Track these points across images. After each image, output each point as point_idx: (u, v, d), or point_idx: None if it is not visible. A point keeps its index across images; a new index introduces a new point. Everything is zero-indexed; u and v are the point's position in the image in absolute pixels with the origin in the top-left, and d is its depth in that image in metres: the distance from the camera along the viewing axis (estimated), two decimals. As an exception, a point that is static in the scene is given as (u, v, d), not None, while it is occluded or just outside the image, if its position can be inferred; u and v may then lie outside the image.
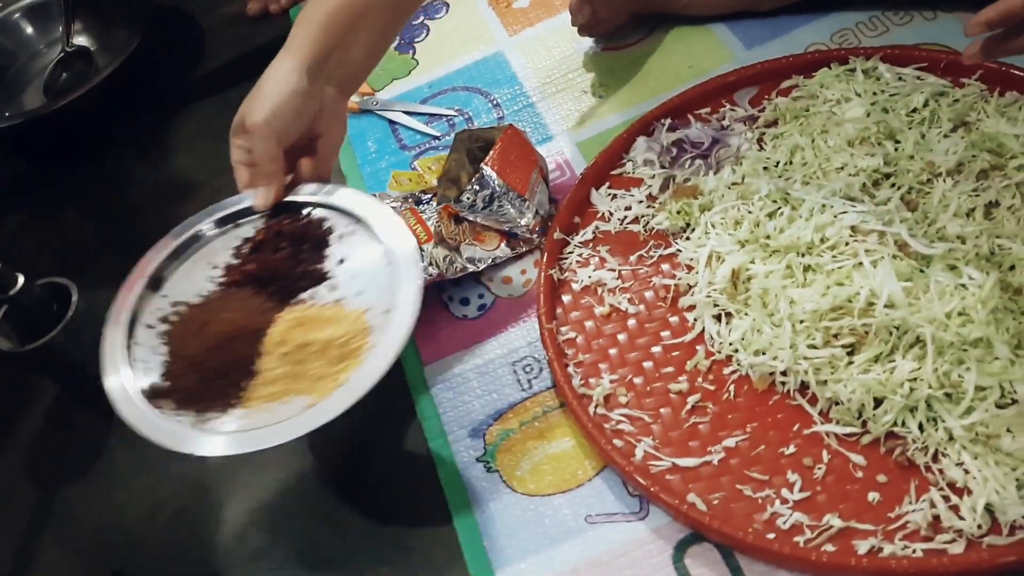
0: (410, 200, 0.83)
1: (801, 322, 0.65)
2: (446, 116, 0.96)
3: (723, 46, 0.90)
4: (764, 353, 0.66)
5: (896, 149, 0.74)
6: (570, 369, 0.72)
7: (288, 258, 0.70)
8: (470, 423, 0.72)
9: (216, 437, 0.61)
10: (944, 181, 0.70)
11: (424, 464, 0.71)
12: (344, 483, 0.73)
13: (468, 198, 0.77)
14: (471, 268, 0.79)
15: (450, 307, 0.80)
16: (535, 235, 0.79)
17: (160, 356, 0.66)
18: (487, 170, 0.76)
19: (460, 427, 0.72)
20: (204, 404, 0.63)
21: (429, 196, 0.83)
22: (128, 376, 0.64)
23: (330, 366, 0.63)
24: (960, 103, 0.76)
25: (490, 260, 0.79)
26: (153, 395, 0.63)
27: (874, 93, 0.78)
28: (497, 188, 0.76)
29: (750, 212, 0.72)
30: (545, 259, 0.77)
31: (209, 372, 0.64)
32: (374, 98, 1.01)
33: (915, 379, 0.60)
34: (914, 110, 0.76)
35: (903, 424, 0.61)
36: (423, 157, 0.93)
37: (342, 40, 0.71)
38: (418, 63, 1.04)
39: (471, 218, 0.78)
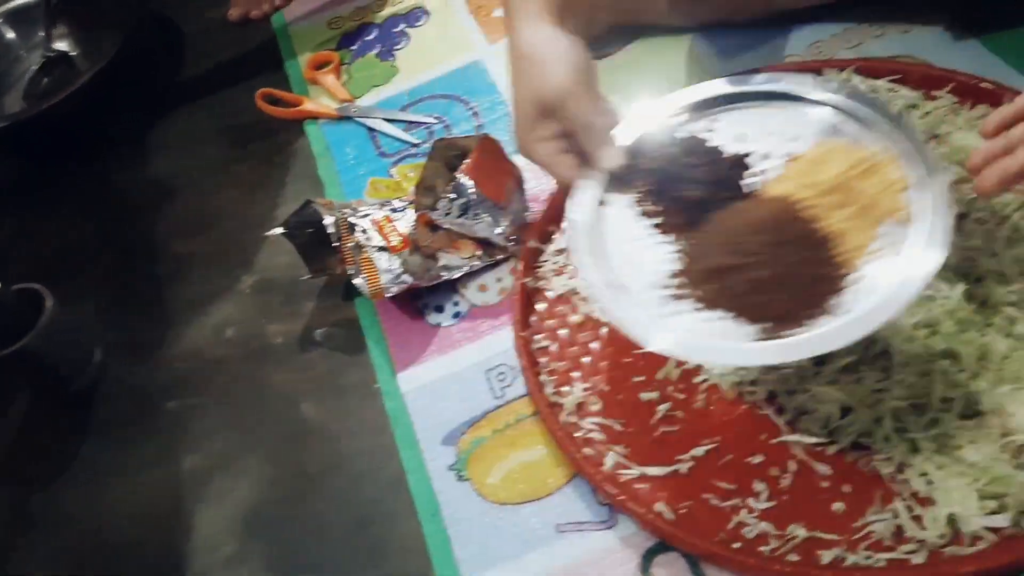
0: (386, 207, 0.83)
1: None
2: (425, 124, 0.96)
3: (700, 57, 0.91)
4: (734, 363, 0.67)
5: (867, 160, 0.75)
6: (543, 377, 0.72)
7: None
8: (443, 431, 0.72)
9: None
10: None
11: (396, 472, 0.71)
12: (316, 491, 0.73)
13: (444, 206, 0.77)
14: (446, 276, 0.79)
15: (425, 314, 0.80)
16: (511, 243, 0.80)
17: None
18: (463, 178, 0.77)
19: (433, 435, 0.72)
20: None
21: (404, 204, 0.83)
22: None
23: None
24: (931, 115, 0.76)
25: (466, 268, 0.80)
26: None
27: (847, 105, 0.79)
28: (473, 196, 0.77)
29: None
30: (520, 267, 0.78)
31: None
32: (354, 105, 1.01)
33: (881, 390, 0.61)
34: (886, 122, 0.77)
35: (869, 435, 0.61)
36: (401, 164, 0.93)
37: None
38: (398, 70, 1.04)
39: (447, 226, 0.79)
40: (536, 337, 0.75)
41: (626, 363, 0.72)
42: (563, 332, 0.75)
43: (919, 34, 0.85)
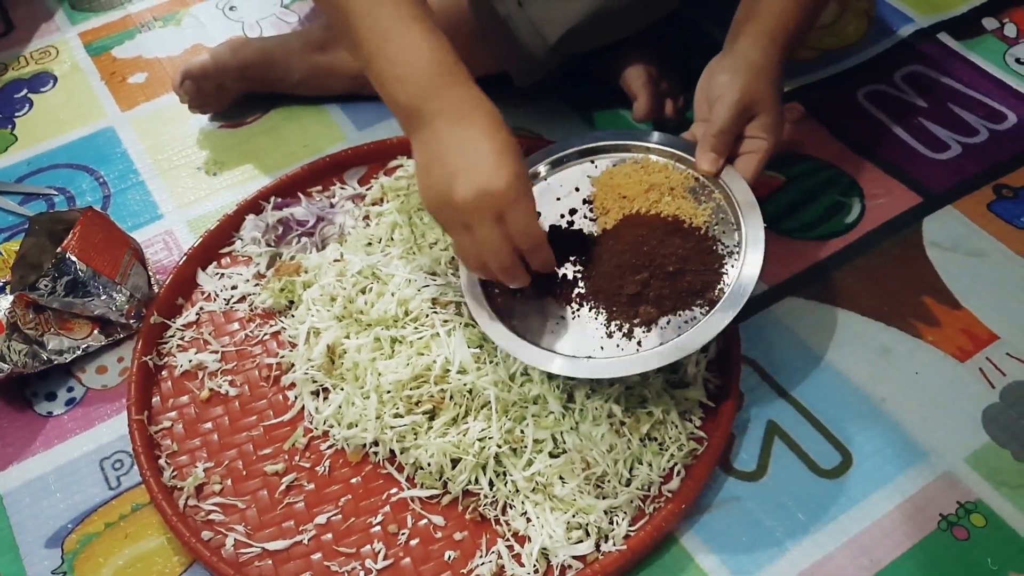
0: (-19, 289, 0.75)
1: (388, 392, 0.67)
2: (44, 195, 0.89)
3: (336, 126, 0.94)
4: (356, 425, 0.68)
5: (482, 224, 0.81)
6: (162, 461, 0.68)
7: None
8: (46, 532, 0.66)
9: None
10: (519, 252, 0.77)
11: (-12, 586, 0.63)
12: None
13: (46, 285, 0.71)
14: (57, 360, 0.73)
15: (34, 404, 0.73)
16: (132, 320, 0.75)
17: None
18: (67, 255, 0.71)
19: (34, 537, 0.65)
20: None
21: (2, 283, 0.76)
22: None
23: None
24: (536, 182, 0.85)
25: (79, 350, 0.74)
26: None
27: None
28: (80, 273, 0.72)
29: (344, 288, 0.74)
30: (140, 345, 0.74)
31: None
32: (-40, 176, 0.91)
33: (485, 438, 0.65)
34: (498, 188, 0.84)
35: (476, 481, 0.65)
36: (13, 240, 0.85)
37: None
38: (17, 139, 0.95)
39: (55, 305, 0.73)
40: (161, 418, 0.71)
41: (254, 436, 0.70)
42: (190, 411, 0.72)
43: (531, 108, 0.94)
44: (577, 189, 0.73)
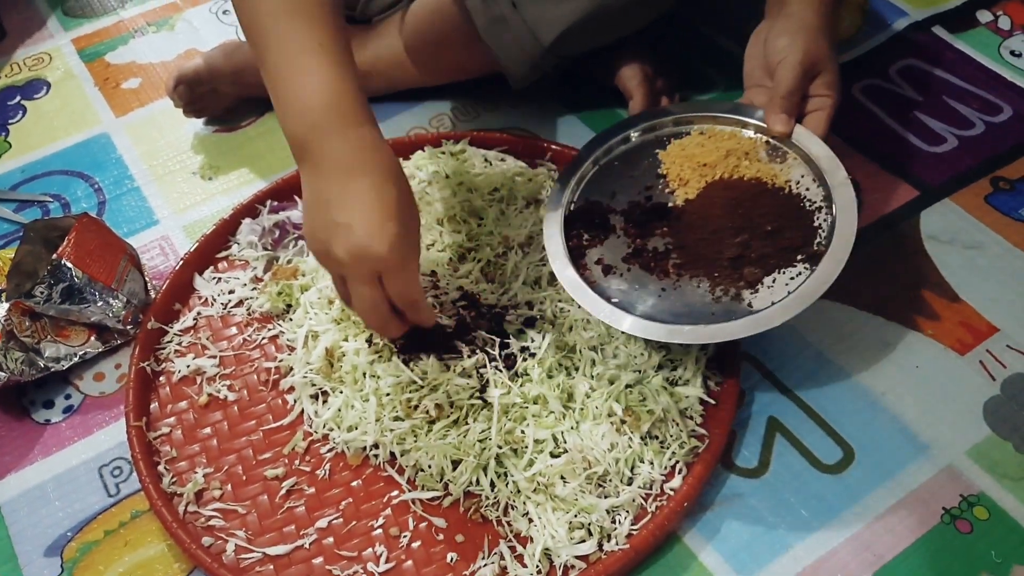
0: (-23, 298, 0.75)
1: (387, 395, 0.67)
2: (39, 202, 0.89)
3: (331, 129, 0.93)
4: (356, 428, 0.67)
5: (479, 225, 0.80)
6: (161, 467, 0.68)
7: None
8: (46, 540, 0.65)
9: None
10: (516, 253, 0.77)
11: (-13, 596, 0.63)
12: None
13: (42, 292, 0.71)
14: (54, 367, 0.72)
15: (31, 412, 0.73)
16: (129, 326, 0.75)
17: None
18: (63, 262, 0.71)
19: (33, 546, 0.65)
20: None
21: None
22: None
23: None
24: (532, 182, 0.84)
25: (76, 357, 0.73)
26: None
27: (461, 174, 0.85)
28: (76, 280, 0.71)
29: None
30: (137, 351, 0.73)
31: None
32: (-46, 184, 0.91)
33: (485, 439, 0.65)
34: (495, 189, 0.83)
35: (478, 482, 0.64)
36: (8, 248, 0.84)
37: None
38: (11, 146, 0.95)
39: (51, 313, 0.72)
40: (160, 424, 0.71)
41: (253, 441, 0.70)
42: (188, 417, 0.71)
43: (527, 108, 0.94)
44: (648, 165, 0.74)
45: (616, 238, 0.71)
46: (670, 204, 0.71)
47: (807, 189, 0.68)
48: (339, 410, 0.69)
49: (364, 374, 0.69)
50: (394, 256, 0.56)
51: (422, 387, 0.67)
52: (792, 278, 0.64)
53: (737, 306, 0.64)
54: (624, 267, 0.69)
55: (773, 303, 0.63)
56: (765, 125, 0.71)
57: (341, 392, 0.69)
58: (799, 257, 0.65)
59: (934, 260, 0.77)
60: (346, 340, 0.71)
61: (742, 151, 0.72)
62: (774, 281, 0.65)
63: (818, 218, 0.67)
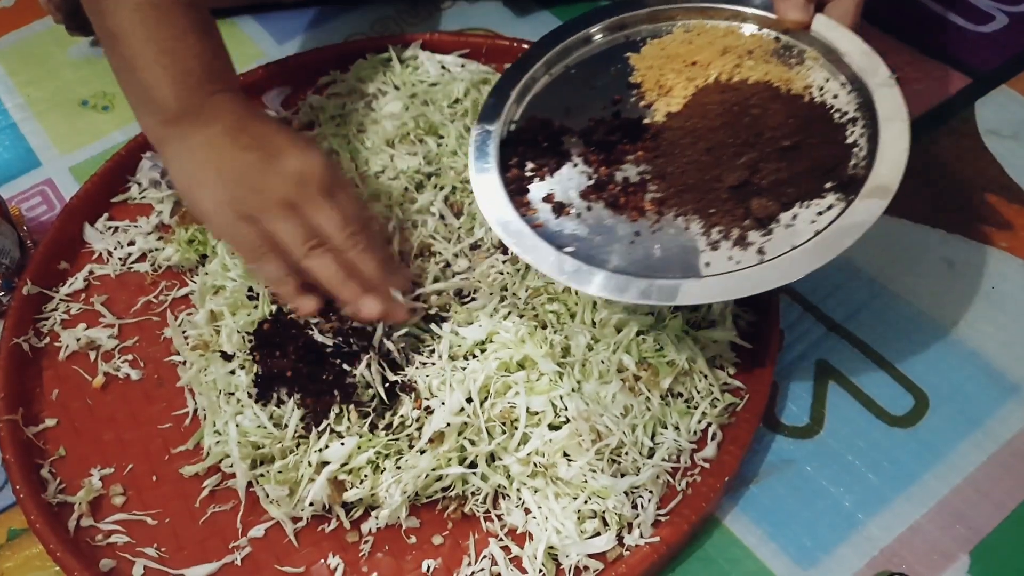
0: None
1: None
2: None
3: (250, 41, 0.77)
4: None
5: (439, 145, 0.65)
6: (45, 472, 0.53)
7: None
8: None
9: None
10: (486, 176, 0.62)
11: None
12: None
13: None
14: (-102, 351, 0.56)
15: None
16: (1, 293, 0.59)
17: None
18: None
19: None
20: None
21: None
22: None
23: None
24: (502, 89, 0.68)
25: (-71, 336, 0.57)
26: None
27: (413, 85, 0.69)
28: (-82, 236, 0.55)
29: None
30: (9, 323, 0.57)
31: None
32: None
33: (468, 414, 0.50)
34: (456, 101, 0.68)
35: (465, 482, 0.50)
36: None
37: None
38: None
39: None
40: (42, 415, 0.55)
41: (164, 431, 0.54)
42: (79, 404, 0.56)
43: (488, 5, 0.78)
44: (616, 72, 0.57)
45: (572, 167, 0.53)
46: (646, 120, 0.54)
47: (834, 96, 0.51)
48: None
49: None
50: (335, 172, 0.53)
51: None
52: (820, 213, 0.47)
53: (742, 254, 0.47)
54: (583, 205, 0.51)
55: (794, 248, 0.46)
56: (774, 16, 0.54)
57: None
58: (828, 184, 0.48)
59: (997, 158, 0.63)
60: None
61: (744, 49, 0.54)
62: (794, 218, 0.47)
63: (852, 132, 0.49)
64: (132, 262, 0.62)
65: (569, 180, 0.53)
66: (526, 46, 0.70)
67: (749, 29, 0.56)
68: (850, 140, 0.49)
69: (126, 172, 0.67)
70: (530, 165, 0.54)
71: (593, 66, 0.58)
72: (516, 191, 0.53)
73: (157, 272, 0.62)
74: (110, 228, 0.64)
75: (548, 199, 0.52)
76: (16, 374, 0.56)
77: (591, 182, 0.52)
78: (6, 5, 0.83)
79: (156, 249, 0.62)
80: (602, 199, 0.51)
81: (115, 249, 0.63)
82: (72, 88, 0.76)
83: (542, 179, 0.53)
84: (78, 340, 0.58)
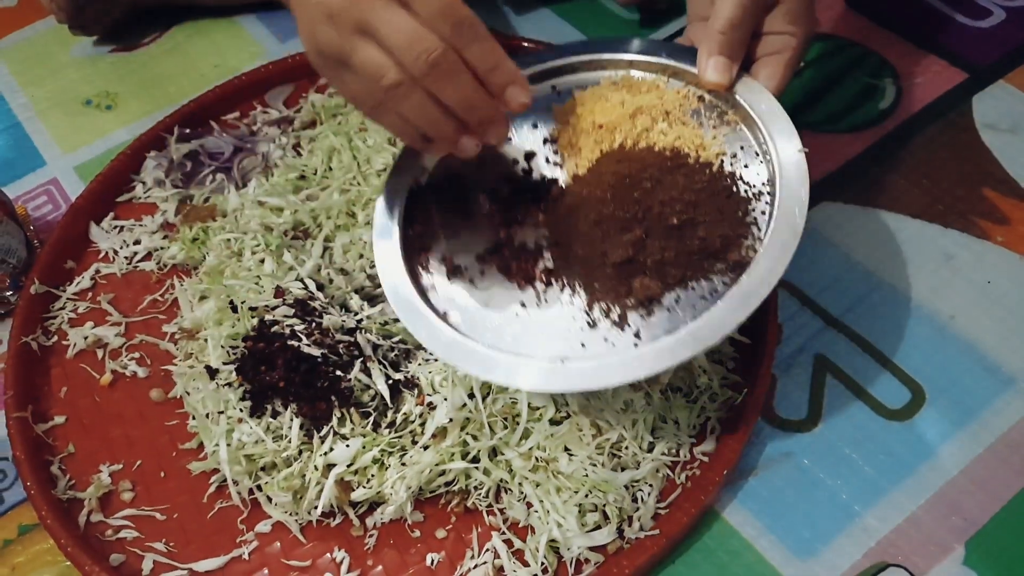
0: None
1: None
2: None
3: (252, 40, 0.77)
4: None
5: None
6: (55, 468, 0.53)
7: None
8: (-94, 574, 0.51)
9: None
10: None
11: None
12: None
13: None
14: (-91, 350, 0.57)
15: None
16: (8, 292, 0.60)
17: None
18: (-95, 214, 0.55)
19: None
20: None
21: None
22: None
23: None
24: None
25: (-61, 335, 0.58)
26: None
27: (414, 82, 0.69)
28: (-74, 237, 0.56)
29: (261, 246, 0.58)
30: (18, 322, 0.58)
31: None
32: None
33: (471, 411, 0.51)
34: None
35: (468, 476, 0.51)
36: None
37: None
38: None
39: (-101, 282, 0.57)
40: (51, 413, 0.56)
41: (172, 427, 0.55)
42: (87, 401, 0.57)
43: (486, 2, 0.78)
44: (535, 126, 0.54)
45: (475, 227, 0.51)
46: (557, 179, 0.51)
47: (745, 166, 0.48)
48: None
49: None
50: None
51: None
52: (703, 297, 0.45)
53: (619, 336, 0.45)
54: (477, 269, 0.50)
55: (668, 332, 0.44)
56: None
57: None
58: (717, 266, 0.46)
59: (994, 153, 0.64)
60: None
61: (661, 109, 0.51)
62: (676, 301, 0.45)
63: (753, 209, 0.47)
64: (138, 261, 0.63)
65: (471, 238, 0.51)
66: (526, 44, 0.71)
67: (676, 84, 0.53)
68: (750, 218, 0.47)
69: (130, 171, 0.67)
70: (437, 220, 0.52)
71: (517, 116, 0.54)
72: (419, 247, 0.51)
73: (162, 270, 0.62)
74: (116, 227, 0.65)
75: (445, 260, 0.50)
76: (25, 372, 0.57)
77: (489, 244, 0.50)
78: (9, 4, 0.84)
79: (161, 248, 0.63)
80: (495, 263, 0.50)
81: (121, 248, 0.64)
82: (75, 87, 0.76)
83: (446, 237, 0.51)
84: (85, 338, 0.59)
